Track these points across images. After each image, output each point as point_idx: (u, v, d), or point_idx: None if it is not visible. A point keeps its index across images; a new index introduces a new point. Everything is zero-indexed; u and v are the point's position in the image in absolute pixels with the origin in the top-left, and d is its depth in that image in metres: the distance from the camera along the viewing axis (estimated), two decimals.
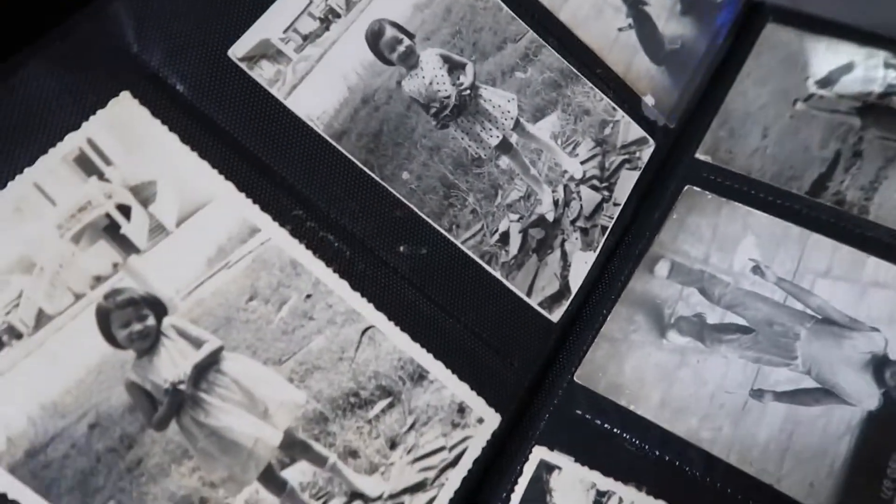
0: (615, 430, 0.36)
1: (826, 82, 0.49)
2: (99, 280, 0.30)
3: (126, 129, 0.32)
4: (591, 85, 0.43)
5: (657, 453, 0.36)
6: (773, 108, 0.48)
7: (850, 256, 0.41)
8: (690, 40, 0.48)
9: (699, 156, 0.46)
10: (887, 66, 0.49)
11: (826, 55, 0.50)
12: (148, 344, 0.30)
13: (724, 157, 0.46)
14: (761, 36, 0.51)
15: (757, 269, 0.41)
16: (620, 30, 0.45)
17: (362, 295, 0.35)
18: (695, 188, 0.44)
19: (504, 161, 0.40)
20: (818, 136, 0.46)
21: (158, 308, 0.31)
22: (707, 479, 0.35)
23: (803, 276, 0.41)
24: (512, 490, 0.35)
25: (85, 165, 0.31)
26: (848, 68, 0.49)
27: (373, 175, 0.36)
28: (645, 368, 0.38)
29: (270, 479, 0.31)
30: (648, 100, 0.45)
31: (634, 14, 0.46)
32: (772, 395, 0.37)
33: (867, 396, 0.36)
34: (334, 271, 0.34)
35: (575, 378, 0.38)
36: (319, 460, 0.32)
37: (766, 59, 0.50)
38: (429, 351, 0.35)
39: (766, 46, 0.51)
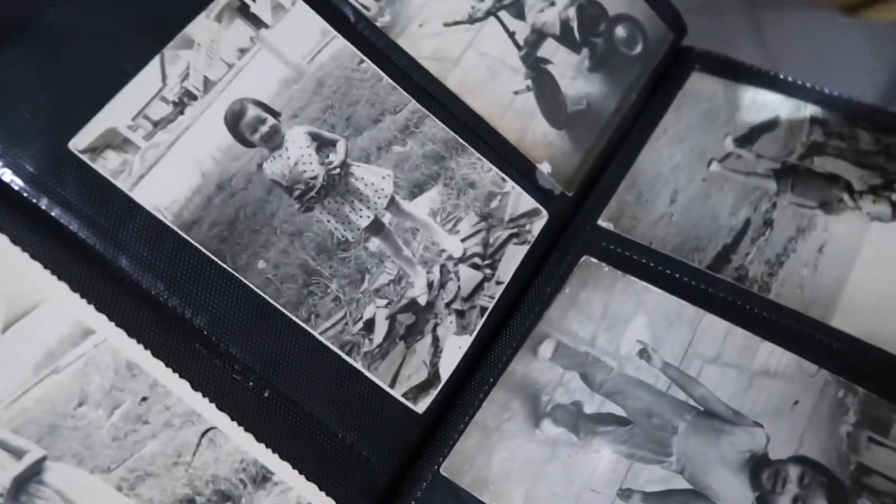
0: None
1: (745, 140, 0.46)
2: None
3: None
4: (478, 155, 0.41)
5: None
6: (686, 169, 0.45)
7: (744, 341, 0.39)
8: (598, 99, 0.45)
9: (601, 223, 0.44)
10: (814, 121, 0.46)
11: (750, 108, 0.47)
12: None
13: (626, 225, 0.44)
14: (684, 86, 0.49)
15: (644, 353, 0.39)
16: (516, 93, 0.43)
17: (204, 395, 0.34)
18: (592, 259, 0.42)
19: (374, 243, 0.38)
20: (729, 202, 0.44)
21: None
22: None
23: (692, 361, 0.38)
24: None
25: None
26: (771, 125, 0.47)
27: (224, 266, 0.35)
28: (513, 462, 0.36)
29: None
30: (544, 167, 0.43)
31: (534, 76, 0.44)
32: (640, 495, 0.35)
33: (739, 500, 0.34)
34: (174, 371, 0.33)
35: (441, 470, 0.37)
36: None
37: (686, 113, 0.48)
38: (275, 451, 0.34)
39: (689, 98, 0.48)
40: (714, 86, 0.49)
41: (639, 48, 0.47)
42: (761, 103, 0.47)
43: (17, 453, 0.31)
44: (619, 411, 0.37)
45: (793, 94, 0.47)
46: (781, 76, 0.48)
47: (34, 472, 0.31)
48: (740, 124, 0.47)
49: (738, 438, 0.36)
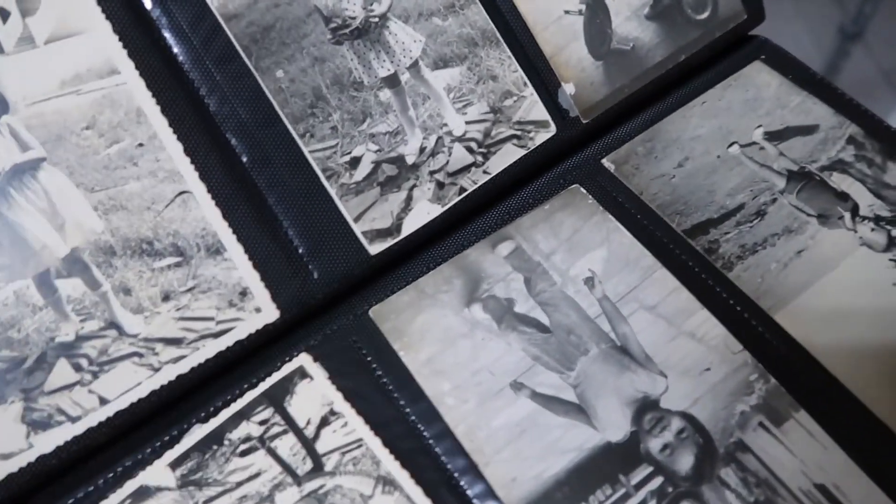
0: (375, 366, 0.38)
1: (776, 136, 0.46)
2: None
3: None
4: (509, 53, 0.43)
5: (401, 403, 0.37)
6: (706, 142, 0.46)
7: (685, 302, 0.40)
8: (645, 46, 0.46)
9: (605, 161, 0.45)
10: (850, 141, 0.46)
11: (795, 110, 0.47)
12: None
13: (627, 171, 0.45)
14: (742, 71, 0.49)
15: (589, 281, 0.41)
16: (567, 12, 0.45)
17: (192, 161, 0.38)
18: (581, 189, 0.44)
19: (385, 94, 0.41)
20: (731, 184, 0.44)
21: (1, 106, 0.35)
22: (430, 441, 0.36)
23: (629, 302, 0.40)
24: (262, 380, 0.37)
25: None
26: (808, 131, 0.47)
27: (247, 61, 0.39)
28: (434, 326, 0.39)
29: (43, 282, 0.35)
30: (568, 88, 0.44)
31: (590, 2, 0.45)
32: (529, 391, 0.37)
33: (615, 427, 0.36)
34: (175, 132, 0.37)
35: (369, 311, 0.40)
36: (93, 284, 0.36)
37: (731, 94, 0.48)
38: (234, 232, 0.38)
39: (740, 82, 0.49)
40: (770, 79, 0.49)
41: (705, 14, 0.48)
42: (808, 109, 0.47)
43: (24, 146, 0.35)
44: (544, 319, 0.40)
45: (842, 111, 0.47)
46: (840, 92, 0.48)
47: (32, 167, 0.35)
48: (778, 120, 0.47)
49: (640, 379, 0.38)
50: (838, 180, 0.44)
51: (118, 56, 0.37)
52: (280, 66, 0.39)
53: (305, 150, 0.40)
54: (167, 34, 0.38)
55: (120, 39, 0.37)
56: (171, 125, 0.37)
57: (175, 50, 0.38)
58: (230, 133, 0.38)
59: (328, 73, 0.40)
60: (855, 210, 0.43)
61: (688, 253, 0.42)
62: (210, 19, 0.38)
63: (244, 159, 0.39)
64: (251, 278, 0.38)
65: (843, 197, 0.44)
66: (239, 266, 0.38)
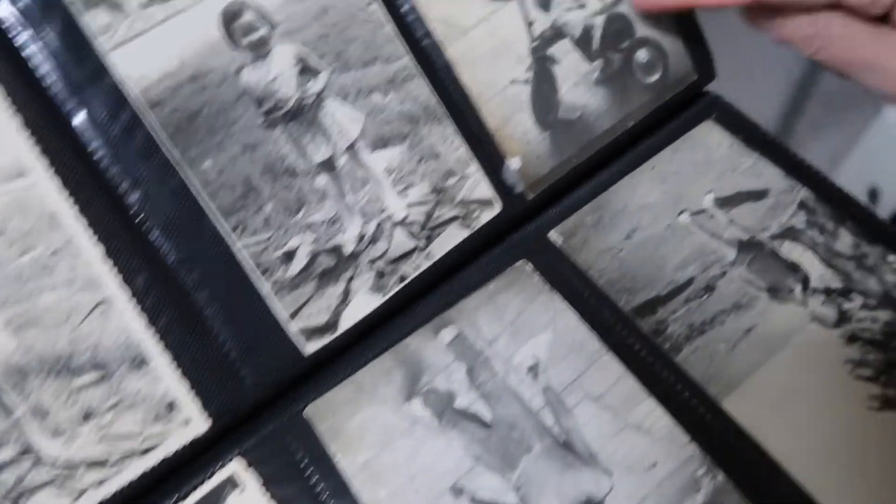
0: (310, 471, 0.37)
1: (727, 202, 0.46)
2: None
3: None
4: (453, 129, 0.41)
5: None
6: (655, 211, 0.45)
7: (631, 391, 0.39)
8: (594, 114, 0.45)
9: (552, 234, 0.44)
10: (802, 206, 0.45)
11: (746, 173, 0.46)
12: None
13: (575, 245, 0.44)
14: (693, 131, 0.48)
15: (533, 369, 0.40)
16: (513, 82, 0.43)
17: (114, 265, 0.35)
18: (528, 265, 0.43)
19: (322, 180, 0.39)
20: (681, 256, 0.44)
21: None
22: None
23: (574, 392, 0.39)
24: (190, 492, 0.36)
25: None
26: (760, 195, 0.46)
27: (172, 153, 0.36)
28: (372, 425, 0.38)
29: None
30: (514, 163, 0.43)
31: (537, 70, 0.43)
32: (468, 497, 0.36)
33: None
34: (93, 234, 0.35)
35: (304, 411, 0.38)
36: (5, 410, 0.34)
37: (682, 157, 0.47)
38: (160, 340, 0.36)
39: (691, 144, 0.48)
40: (721, 139, 0.48)
41: (655, 77, 0.46)
42: (759, 172, 0.46)
43: None
44: (486, 413, 0.39)
45: (792, 173, 0.46)
46: (791, 153, 0.47)
47: None
48: (728, 185, 0.46)
49: (584, 479, 0.37)
50: (789, 249, 0.44)
51: (29, 154, 0.34)
52: (208, 156, 0.37)
53: (236, 246, 0.37)
54: (82, 128, 0.35)
55: (31, 135, 0.34)
56: (88, 228, 0.35)
57: (92, 146, 0.35)
58: (154, 232, 0.36)
59: (260, 160, 0.38)
60: (805, 282, 0.43)
61: (635, 335, 0.41)
62: (130, 109, 0.36)
63: (170, 260, 0.36)
64: (179, 389, 0.36)
65: (794, 268, 0.43)
66: (165, 377, 0.36)
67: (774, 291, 0.42)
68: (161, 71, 0.36)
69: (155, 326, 0.36)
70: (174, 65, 0.37)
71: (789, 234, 0.44)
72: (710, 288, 0.42)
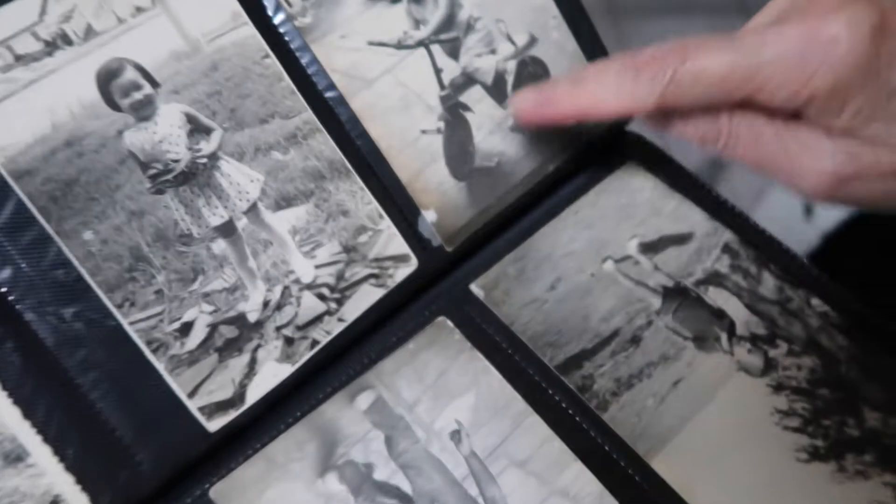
0: None
1: (651, 248, 0.44)
2: None
3: None
4: (361, 185, 0.39)
5: None
6: (579, 259, 0.44)
7: (558, 454, 0.37)
8: (511, 161, 0.43)
9: (473, 287, 0.42)
10: (725, 249, 0.44)
11: (669, 217, 0.45)
12: None
13: (497, 298, 0.42)
14: (615, 173, 0.47)
15: (456, 435, 0.38)
16: (424, 132, 0.41)
17: None
18: (448, 321, 0.41)
19: (219, 245, 0.37)
20: (607, 306, 0.42)
21: None
22: None
23: (499, 457, 0.37)
24: None
25: None
26: (682, 240, 0.45)
27: (46, 226, 0.33)
28: (284, 503, 0.35)
29: None
30: (429, 215, 0.41)
31: (449, 119, 0.41)
32: None
33: None
34: None
35: (210, 492, 0.35)
36: None
37: (604, 201, 0.46)
38: (40, 432, 0.32)
39: (615, 186, 0.46)
40: (644, 182, 0.47)
41: None
42: (682, 215, 0.45)
43: None
44: (406, 487, 0.36)
45: (716, 216, 0.45)
46: (714, 194, 0.46)
47: None
48: (652, 230, 0.45)
49: None
50: (714, 296, 0.43)
51: None
52: (88, 227, 0.34)
53: (125, 323, 0.34)
54: None
55: None
56: None
57: None
58: (28, 313, 0.33)
59: (149, 227, 0.35)
60: (731, 329, 0.42)
61: (561, 393, 0.39)
62: None
63: (48, 342, 0.33)
64: (64, 483, 0.33)
65: (719, 315, 0.42)
66: (47, 471, 0.32)
67: (700, 341, 0.41)
68: (30, 137, 0.33)
69: (32, 418, 0.32)
70: (46, 130, 0.34)
71: (714, 279, 0.43)
72: (636, 339, 0.41)
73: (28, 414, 0.32)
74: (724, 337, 0.41)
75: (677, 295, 0.42)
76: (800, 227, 1.14)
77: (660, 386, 0.40)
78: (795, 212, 1.18)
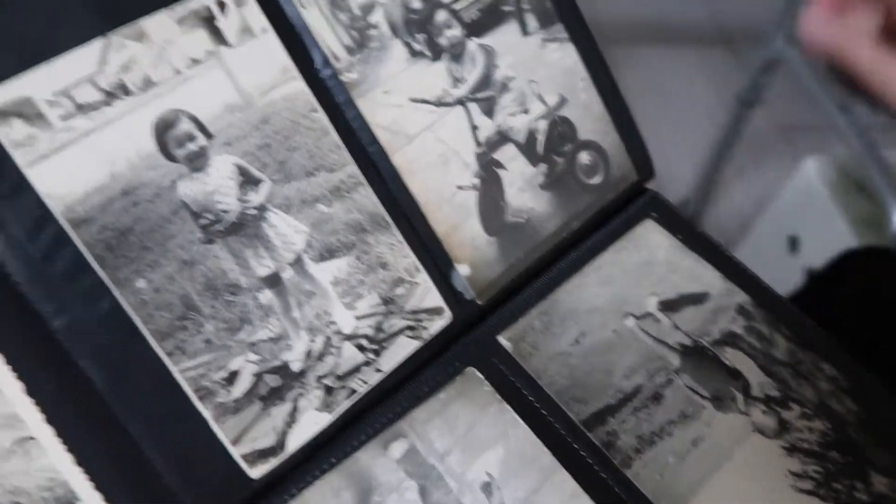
0: None
1: (670, 306, 0.46)
2: None
3: None
4: (400, 238, 0.40)
5: None
6: (602, 315, 0.45)
7: None
8: (540, 217, 0.45)
9: (501, 339, 0.43)
10: (740, 311, 0.46)
11: (686, 276, 0.47)
12: None
13: (524, 350, 0.43)
14: (634, 230, 0.49)
15: (487, 487, 0.39)
16: (460, 188, 0.42)
17: (36, 403, 0.32)
18: (477, 373, 0.42)
19: (266, 295, 0.37)
20: (628, 363, 0.44)
21: None
22: None
23: None
24: None
25: None
26: (700, 299, 0.47)
27: (101, 274, 0.34)
28: None
29: None
30: (463, 269, 0.42)
31: (483, 176, 0.43)
32: None
33: None
34: (13, 370, 0.32)
35: None
36: None
37: (625, 257, 0.48)
38: (91, 479, 0.33)
39: (633, 244, 0.48)
40: (661, 240, 0.48)
41: (598, 179, 0.47)
42: (698, 275, 0.47)
43: None
44: None
45: (730, 277, 0.47)
46: (727, 255, 0.48)
47: None
48: (671, 288, 0.47)
49: None
50: (731, 356, 0.45)
51: None
52: (142, 275, 0.35)
53: (175, 370, 0.35)
54: (1, 251, 0.32)
55: None
56: (9, 363, 0.32)
57: (10, 269, 0.32)
58: (83, 360, 0.33)
59: (199, 277, 0.36)
60: (746, 390, 0.44)
61: (587, 448, 0.41)
62: (53, 227, 0.33)
63: (101, 389, 0.33)
64: None
65: (735, 375, 0.44)
66: None
67: (718, 400, 0.43)
68: (89, 186, 0.34)
69: (84, 464, 0.33)
70: (104, 179, 0.34)
71: (730, 339, 0.45)
72: (657, 397, 0.43)
73: (80, 460, 0.32)
74: (740, 397, 0.43)
75: (695, 354, 0.44)
76: (785, 261, 1.18)
77: (680, 444, 0.41)
78: (781, 246, 1.21)
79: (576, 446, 0.40)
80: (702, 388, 0.43)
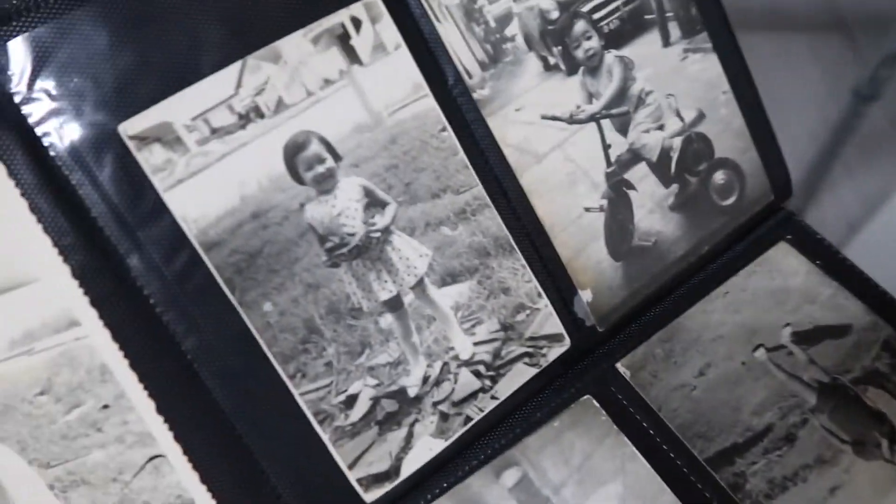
0: None
1: (805, 338, 0.43)
2: None
3: None
4: (523, 262, 0.39)
5: None
6: (729, 344, 0.43)
7: None
8: (668, 240, 0.42)
9: (620, 366, 0.42)
10: (886, 347, 0.43)
11: (825, 306, 0.44)
12: None
13: (644, 379, 0.41)
14: (767, 253, 0.45)
15: None
16: (588, 209, 0.40)
17: (166, 420, 0.33)
18: (594, 401, 0.40)
19: (386, 320, 0.37)
20: (758, 399, 0.41)
21: None
22: None
23: None
24: None
25: None
26: (841, 332, 0.43)
27: (230, 296, 0.34)
28: None
29: None
30: (585, 295, 0.40)
31: (612, 197, 0.41)
32: None
33: None
34: (145, 388, 0.33)
35: None
36: None
37: (756, 283, 0.44)
38: (214, 496, 0.33)
39: (765, 267, 0.45)
40: (797, 265, 0.45)
41: (731, 200, 0.44)
42: (839, 305, 0.44)
43: None
44: None
45: (876, 310, 0.44)
46: (874, 285, 0.44)
47: None
48: (807, 318, 0.43)
49: None
50: (874, 397, 0.41)
51: (78, 305, 0.32)
52: (268, 298, 0.35)
53: (296, 393, 0.35)
54: (137, 270, 0.33)
55: (81, 286, 0.32)
56: (141, 381, 0.32)
57: (146, 291, 0.33)
58: (211, 381, 0.34)
59: (323, 301, 0.36)
60: (893, 436, 0.40)
61: (712, 489, 0.39)
62: (187, 250, 0.33)
63: (227, 409, 0.34)
64: None
65: (880, 418, 0.41)
66: None
67: (860, 445, 0.40)
68: (221, 209, 0.34)
69: (209, 482, 0.33)
70: (235, 202, 0.34)
71: (874, 378, 0.42)
72: (790, 438, 0.40)
73: (206, 477, 0.33)
74: (885, 443, 0.40)
75: (834, 392, 0.41)
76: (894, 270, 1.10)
77: (816, 491, 0.39)
78: (891, 254, 1.13)
79: (700, 486, 0.38)
80: (841, 430, 0.40)
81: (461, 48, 0.38)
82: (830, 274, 0.44)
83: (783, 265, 0.45)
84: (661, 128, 0.42)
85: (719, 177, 0.43)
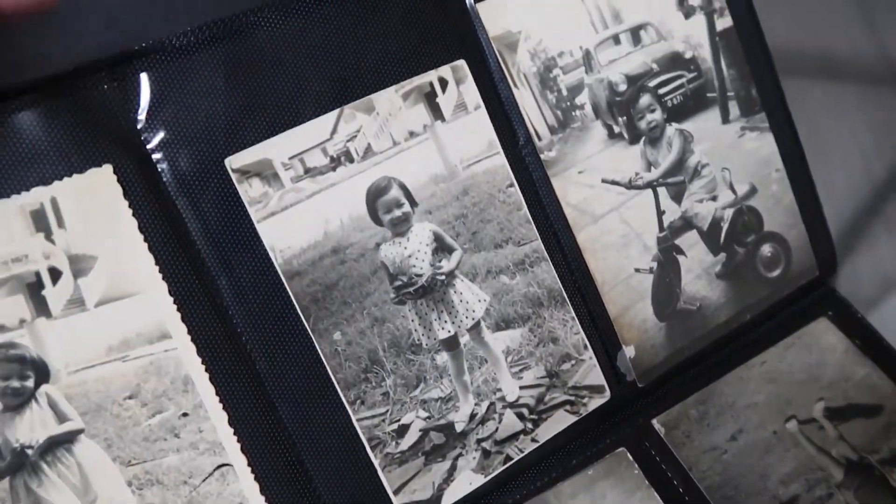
0: None
1: (837, 414, 0.45)
2: (1, 329, 0.33)
3: (92, 200, 0.33)
4: (573, 315, 0.41)
5: None
6: (763, 413, 0.44)
7: None
8: (712, 307, 0.44)
9: (655, 422, 0.44)
10: None
11: (859, 385, 0.45)
12: (17, 402, 0.33)
13: (677, 438, 0.43)
14: (807, 328, 0.47)
15: None
16: (637, 270, 0.43)
17: (235, 433, 0.36)
18: (629, 455, 0.42)
19: (442, 357, 0.39)
20: (786, 469, 0.43)
21: (42, 374, 0.33)
22: None
23: None
24: None
25: (38, 221, 0.33)
26: (873, 412, 0.45)
27: (305, 323, 0.37)
28: None
29: None
30: (629, 351, 0.43)
31: (662, 260, 0.43)
32: None
33: None
34: (221, 401, 0.36)
35: None
36: None
37: (793, 355, 0.46)
38: None
39: (804, 341, 0.47)
40: (835, 341, 0.47)
41: (777, 272, 0.46)
42: (872, 384, 0.45)
43: (62, 417, 0.33)
44: None
45: None
46: None
47: (67, 439, 0.33)
48: (840, 395, 0.45)
49: None
50: None
51: (171, 319, 0.35)
52: (338, 328, 0.37)
53: (354, 419, 0.38)
54: (226, 293, 0.36)
55: (175, 302, 0.35)
56: (218, 393, 0.35)
57: (231, 312, 0.36)
58: (279, 400, 0.37)
59: (387, 334, 0.38)
60: None
61: None
62: (272, 278, 0.36)
63: (291, 429, 0.37)
64: None
65: None
66: None
67: None
68: (305, 242, 0.37)
69: (267, 494, 0.36)
70: (318, 237, 0.37)
71: None
72: None
73: (265, 489, 0.36)
74: None
75: (861, 471, 0.43)
76: None
77: None
78: None
79: None
80: None
81: (534, 112, 0.40)
82: (867, 353, 0.46)
83: (822, 340, 0.47)
84: (714, 199, 0.44)
85: (766, 249, 0.45)
